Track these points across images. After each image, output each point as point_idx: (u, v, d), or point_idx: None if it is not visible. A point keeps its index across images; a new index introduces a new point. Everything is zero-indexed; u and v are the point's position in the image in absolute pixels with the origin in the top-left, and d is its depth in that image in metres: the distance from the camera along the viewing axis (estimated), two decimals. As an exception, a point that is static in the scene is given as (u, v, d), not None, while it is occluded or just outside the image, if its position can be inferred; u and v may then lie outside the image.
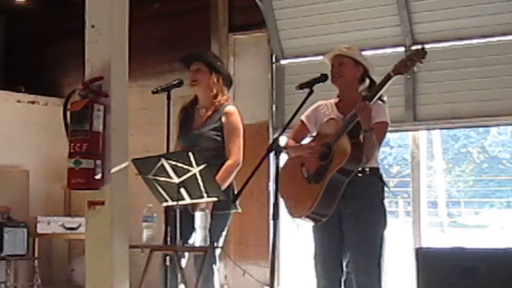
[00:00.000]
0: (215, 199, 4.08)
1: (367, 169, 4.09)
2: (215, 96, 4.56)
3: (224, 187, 4.30)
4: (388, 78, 4.02)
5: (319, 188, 4.04)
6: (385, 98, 4.20)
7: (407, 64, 4.02)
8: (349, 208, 4.08)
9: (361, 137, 4.03)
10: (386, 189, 4.18)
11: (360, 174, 4.06)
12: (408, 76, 4.12)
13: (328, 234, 4.17)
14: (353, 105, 4.12)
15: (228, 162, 4.42)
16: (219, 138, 4.49)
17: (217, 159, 4.40)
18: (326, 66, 4.34)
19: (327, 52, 4.39)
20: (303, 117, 4.35)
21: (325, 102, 4.31)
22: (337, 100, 4.30)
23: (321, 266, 4.21)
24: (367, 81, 4.27)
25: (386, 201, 4.17)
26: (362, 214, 4.08)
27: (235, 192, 4.44)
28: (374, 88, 4.08)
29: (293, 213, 4.19)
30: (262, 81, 6.98)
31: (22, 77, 8.32)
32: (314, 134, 4.32)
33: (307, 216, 4.12)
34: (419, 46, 4.05)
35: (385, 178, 4.20)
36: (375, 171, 4.14)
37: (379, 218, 4.13)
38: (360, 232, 4.08)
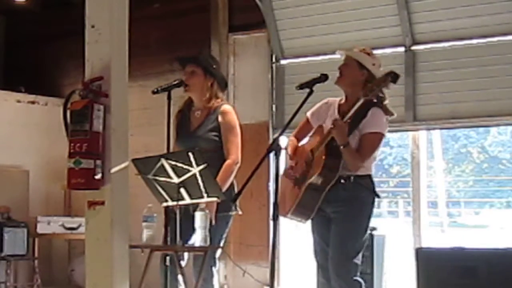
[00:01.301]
0: (215, 199, 4.08)
1: (352, 178, 4.10)
2: (209, 100, 4.56)
3: (225, 187, 4.31)
4: (357, 100, 4.01)
5: (299, 192, 4.11)
6: (386, 102, 4.19)
7: (374, 88, 3.99)
8: (334, 213, 4.13)
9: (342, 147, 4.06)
10: (372, 196, 4.17)
11: (342, 181, 4.09)
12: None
13: (320, 236, 4.23)
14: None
15: (227, 162, 4.42)
16: (217, 139, 4.49)
17: (216, 159, 4.39)
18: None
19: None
20: (308, 113, 4.37)
21: (333, 100, 4.30)
22: (342, 100, 4.29)
23: (318, 265, 4.26)
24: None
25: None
26: (344, 219, 4.10)
27: (236, 191, 4.45)
28: (351, 109, 4.04)
29: (280, 213, 4.22)
30: (262, 81, 6.98)
31: (22, 77, 8.32)
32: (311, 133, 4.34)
33: (287, 217, 4.20)
34: (389, 72, 4.00)
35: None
36: (361, 180, 4.13)
37: (357, 225, 4.12)
38: (336, 236, 4.11)
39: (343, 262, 4.06)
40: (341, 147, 4.00)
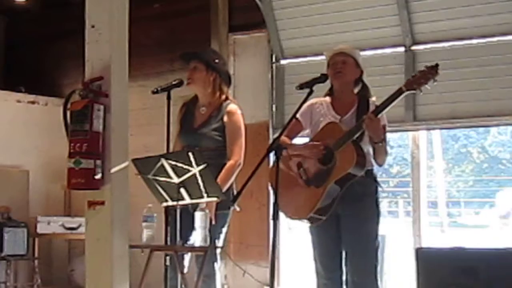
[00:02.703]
0: (215, 199, 4.08)
1: (367, 172, 4.09)
2: (212, 95, 4.56)
3: (226, 188, 4.31)
4: (399, 92, 3.98)
5: (320, 192, 4.03)
6: (373, 98, 4.20)
7: (421, 81, 3.95)
8: (346, 209, 4.09)
9: (361, 143, 4.04)
10: (380, 189, 4.20)
11: (362, 176, 4.07)
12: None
13: (325, 234, 4.19)
14: (349, 107, 4.16)
15: (230, 163, 4.42)
16: (220, 138, 4.49)
17: (218, 159, 4.40)
18: (326, 66, 4.32)
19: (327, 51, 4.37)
20: (297, 114, 4.33)
21: (319, 100, 4.27)
22: (331, 99, 4.27)
23: (320, 265, 4.22)
24: (360, 84, 4.28)
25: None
26: (359, 215, 4.11)
27: (235, 191, 4.45)
28: (384, 102, 3.99)
29: (291, 215, 4.19)
30: (262, 81, 6.98)
31: (22, 77, 8.32)
32: (308, 131, 4.30)
33: (307, 219, 4.13)
34: (433, 63, 3.97)
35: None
36: (370, 173, 4.15)
37: (373, 218, 4.15)
38: (356, 232, 4.11)
39: (366, 259, 4.09)
40: (376, 143, 3.99)
